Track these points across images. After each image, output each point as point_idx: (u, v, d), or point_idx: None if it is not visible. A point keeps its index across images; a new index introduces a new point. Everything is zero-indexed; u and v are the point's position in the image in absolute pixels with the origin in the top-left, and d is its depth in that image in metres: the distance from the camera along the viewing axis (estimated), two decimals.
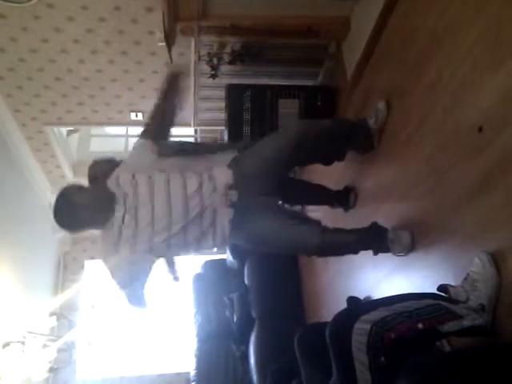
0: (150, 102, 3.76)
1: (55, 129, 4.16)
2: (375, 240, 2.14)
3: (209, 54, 3.11)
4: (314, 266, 3.68)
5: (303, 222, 2.14)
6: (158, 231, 1.85)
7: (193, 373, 4.24)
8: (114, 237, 1.85)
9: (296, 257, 4.18)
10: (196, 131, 4.88)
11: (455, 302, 1.47)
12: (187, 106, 3.78)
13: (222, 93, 3.32)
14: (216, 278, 4.66)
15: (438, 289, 1.58)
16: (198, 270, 4.86)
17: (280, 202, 2.49)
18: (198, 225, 1.90)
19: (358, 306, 2.07)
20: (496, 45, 1.58)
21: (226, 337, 4.23)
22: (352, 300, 2.54)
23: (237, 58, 3.14)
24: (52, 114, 3.85)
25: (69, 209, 1.84)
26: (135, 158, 2.05)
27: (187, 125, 3.95)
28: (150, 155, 2.00)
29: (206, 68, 3.21)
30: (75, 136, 4.86)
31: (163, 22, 2.74)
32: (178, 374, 5.01)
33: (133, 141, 2.35)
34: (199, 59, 3.16)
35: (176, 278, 2.03)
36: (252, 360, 3.78)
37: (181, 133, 4.89)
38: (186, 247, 1.96)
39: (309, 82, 3.48)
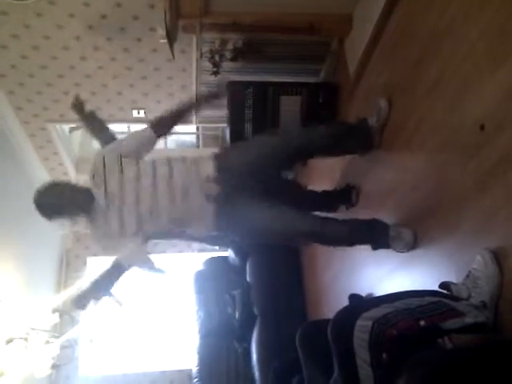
0: (152, 99, 3.81)
1: (57, 126, 4.16)
2: (374, 235, 2.14)
3: (211, 50, 3.10)
4: (316, 263, 3.69)
5: (294, 209, 2.14)
6: (143, 213, 1.97)
7: (195, 370, 4.24)
8: (101, 221, 2.00)
9: (298, 254, 4.19)
10: (198, 128, 4.89)
11: (457, 299, 1.47)
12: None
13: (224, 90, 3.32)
14: (218, 275, 4.66)
15: (440, 286, 1.58)
16: (201, 267, 4.86)
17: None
18: (181, 208, 2.00)
19: (359, 303, 2.08)
20: (498, 42, 1.57)
21: (228, 334, 4.24)
22: (354, 297, 2.54)
23: (239, 54, 3.13)
24: (54, 111, 3.85)
25: (46, 195, 2.00)
26: (130, 141, 2.16)
27: (189, 122, 3.95)
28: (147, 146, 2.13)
29: (208, 65, 3.21)
30: (78, 133, 4.85)
31: (165, 18, 2.73)
32: (180, 371, 5.02)
33: None
34: (201, 56, 3.16)
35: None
36: (254, 357, 3.79)
37: (183, 130, 4.90)
38: (170, 233, 2.09)
39: (311, 79, 3.47)
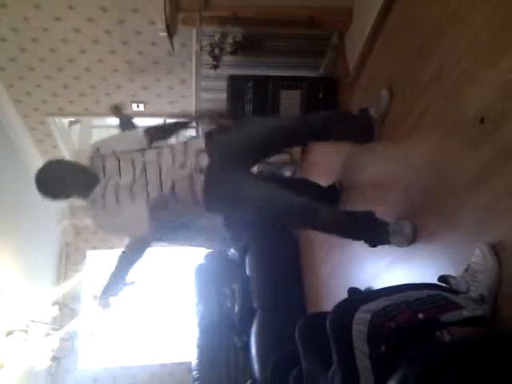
0: (151, 93, 3.80)
1: (57, 119, 4.15)
2: (372, 233, 2.15)
3: (210, 44, 3.10)
4: (315, 256, 3.70)
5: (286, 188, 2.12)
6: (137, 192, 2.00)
7: (194, 362, 4.27)
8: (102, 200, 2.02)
9: (297, 247, 4.20)
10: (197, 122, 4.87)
11: (456, 292, 1.48)
12: (189, 96, 3.79)
13: (224, 84, 3.31)
14: (218, 268, 4.67)
15: (439, 279, 1.58)
16: (201, 260, 4.87)
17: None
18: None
19: (358, 296, 2.08)
20: (500, 35, 1.57)
21: (228, 327, 4.26)
22: (353, 291, 2.55)
23: (239, 48, 3.12)
24: (53, 104, 3.85)
25: (48, 174, 2.06)
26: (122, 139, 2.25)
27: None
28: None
29: (208, 59, 3.20)
30: (77, 127, 4.85)
31: (164, 11, 2.72)
32: (179, 364, 5.04)
33: None
34: (201, 49, 3.15)
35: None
36: (253, 350, 3.81)
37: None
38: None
39: (311, 73, 3.47)
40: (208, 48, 3.11)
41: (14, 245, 3.99)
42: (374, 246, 2.20)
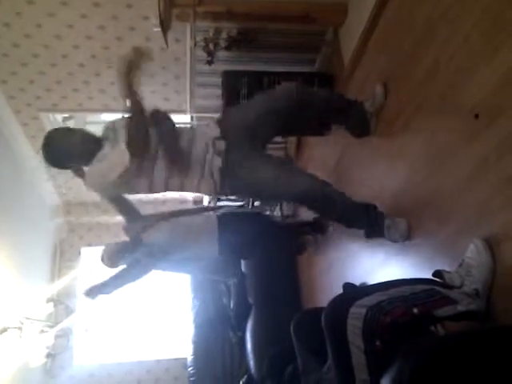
0: (145, 89, 3.74)
1: (50, 115, 4.13)
2: (370, 220, 2.15)
3: (205, 39, 3.08)
4: (310, 252, 3.70)
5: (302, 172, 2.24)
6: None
7: (190, 358, 4.27)
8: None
9: (293, 243, 4.19)
10: (192, 118, 4.86)
11: (450, 287, 1.49)
12: (183, 92, 3.77)
13: (219, 79, 3.30)
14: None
15: (433, 274, 1.59)
16: None
17: None
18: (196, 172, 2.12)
19: (353, 291, 2.09)
20: (492, 32, 1.57)
21: (223, 323, 4.26)
22: (348, 286, 2.56)
23: (233, 43, 3.11)
24: (47, 100, 3.82)
25: (55, 141, 2.26)
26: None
27: (183, 112, 3.93)
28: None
29: (202, 54, 3.18)
30: (71, 123, 4.82)
31: (158, 7, 2.70)
32: (175, 360, 5.05)
33: None
34: (195, 45, 3.14)
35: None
36: (249, 346, 3.82)
37: (176, 120, 4.86)
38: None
39: (306, 69, 3.46)
40: (202, 43, 3.10)
41: (8, 242, 3.97)
42: (368, 235, 2.20)
